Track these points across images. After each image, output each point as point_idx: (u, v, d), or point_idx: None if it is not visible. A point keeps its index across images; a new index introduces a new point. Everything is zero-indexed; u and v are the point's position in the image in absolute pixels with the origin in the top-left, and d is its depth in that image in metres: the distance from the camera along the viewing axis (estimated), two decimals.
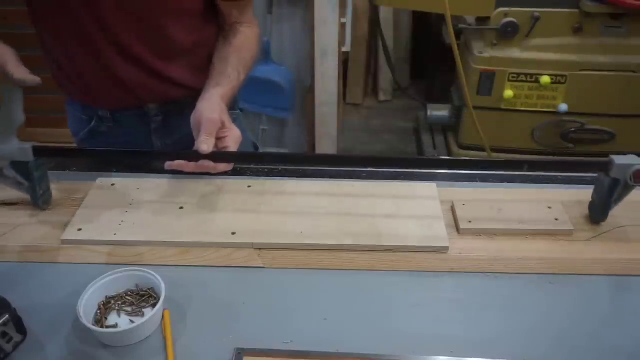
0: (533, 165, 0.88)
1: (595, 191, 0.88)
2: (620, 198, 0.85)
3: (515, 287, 0.79)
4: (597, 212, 0.88)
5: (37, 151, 0.85)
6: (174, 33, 0.96)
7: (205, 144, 0.83)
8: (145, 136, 1.10)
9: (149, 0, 0.90)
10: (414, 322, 0.74)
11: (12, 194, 0.93)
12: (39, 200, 0.90)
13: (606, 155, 0.84)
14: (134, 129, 1.09)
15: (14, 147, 0.85)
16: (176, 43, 0.98)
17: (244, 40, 1.03)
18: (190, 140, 0.88)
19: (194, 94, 0.96)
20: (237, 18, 1.04)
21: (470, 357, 0.68)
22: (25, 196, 0.90)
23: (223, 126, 0.88)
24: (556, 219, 0.88)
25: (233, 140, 0.89)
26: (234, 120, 1.15)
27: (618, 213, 0.89)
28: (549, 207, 0.91)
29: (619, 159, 0.82)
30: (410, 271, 0.81)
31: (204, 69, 1.02)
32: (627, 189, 0.84)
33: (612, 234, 0.87)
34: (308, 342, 0.70)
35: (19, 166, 0.86)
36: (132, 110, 1.06)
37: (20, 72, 0.78)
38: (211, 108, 0.89)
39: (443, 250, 0.83)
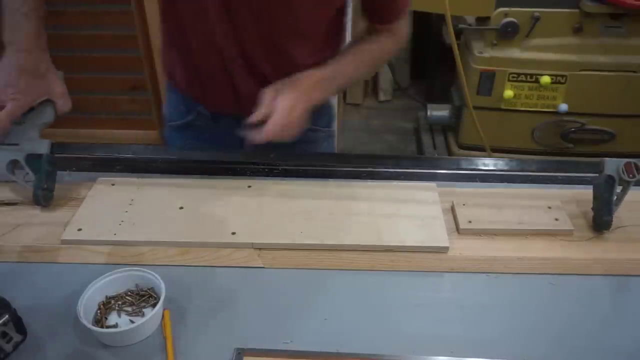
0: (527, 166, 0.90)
1: (595, 198, 0.87)
2: (620, 198, 0.86)
3: (515, 287, 0.79)
4: (602, 215, 0.85)
5: (54, 146, 0.90)
6: (297, 55, 0.99)
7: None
8: (238, 141, 1.10)
9: (277, 22, 0.93)
10: (414, 322, 0.74)
11: (12, 193, 0.93)
12: (40, 193, 0.89)
13: (606, 155, 0.85)
14: (229, 132, 1.09)
15: (34, 141, 0.89)
16: (297, 64, 1.00)
17: (380, 45, 1.04)
18: (280, 150, 0.97)
19: None
20: (386, 26, 1.04)
21: (470, 357, 0.68)
22: (27, 193, 0.90)
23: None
24: (556, 219, 0.88)
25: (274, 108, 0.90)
26: (326, 138, 1.21)
27: (618, 213, 0.89)
28: (549, 207, 0.91)
29: (607, 159, 0.85)
30: (410, 271, 0.81)
31: None
32: (624, 186, 0.85)
33: (612, 234, 0.87)
34: (308, 342, 0.70)
35: (32, 159, 0.89)
36: (234, 116, 1.07)
37: (64, 106, 0.92)
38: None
39: (443, 250, 0.83)
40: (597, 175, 0.86)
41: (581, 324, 0.73)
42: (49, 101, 0.90)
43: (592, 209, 0.88)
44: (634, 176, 0.83)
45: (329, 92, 0.99)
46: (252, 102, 0.93)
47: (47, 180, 0.90)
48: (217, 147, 1.11)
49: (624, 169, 0.83)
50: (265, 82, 1.00)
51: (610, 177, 0.84)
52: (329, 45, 1.06)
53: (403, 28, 1.06)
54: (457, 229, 0.88)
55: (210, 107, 1.09)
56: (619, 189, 0.86)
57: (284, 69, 1.00)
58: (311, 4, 0.92)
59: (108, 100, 2.51)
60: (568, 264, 0.82)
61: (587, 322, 0.74)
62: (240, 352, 0.68)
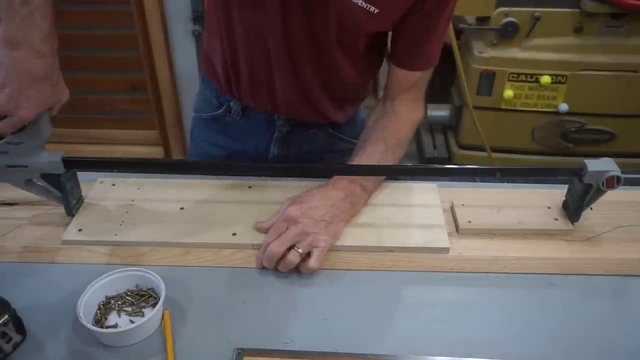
0: (505, 172, 0.89)
1: (568, 192, 0.89)
2: (592, 201, 0.86)
3: (515, 287, 0.79)
4: (570, 213, 0.88)
5: (67, 163, 0.84)
6: (342, 67, 0.97)
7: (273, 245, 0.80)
8: (265, 140, 1.10)
9: (326, 25, 0.90)
10: (414, 322, 0.74)
11: (12, 194, 0.93)
12: (73, 210, 0.89)
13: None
14: (257, 131, 1.09)
15: (44, 160, 0.83)
16: (340, 76, 0.99)
17: (399, 125, 1.03)
18: (306, 156, 1.03)
19: (326, 122, 1.08)
20: (404, 92, 1.04)
21: (470, 357, 0.68)
22: (28, 193, 0.90)
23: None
24: (556, 219, 0.88)
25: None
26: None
27: (618, 214, 0.89)
28: (549, 207, 0.91)
29: (592, 165, 0.82)
30: (410, 271, 0.81)
31: (348, 105, 1.14)
32: (599, 192, 0.84)
33: (612, 234, 0.87)
34: (308, 342, 0.70)
35: (50, 178, 0.85)
36: (263, 115, 1.07)
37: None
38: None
39: (443, 250, 0.83)
40: (576, 178, 0.85)
41: (581, 324, 0.74)
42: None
43: (563, 202, 0.90)
44: (612, 188, 0.82)
45: (356, 209, 0.89)
46: (286, 103, 0.92)
47: (73, 194, 0.89)
48: (243, 144, 1.10)
49: (604, 182, 0.81)
50: (303, 87, 0.99)
51: (589, 185, 0.83)
52: (369, 67, 1.06)
53: (420, 101, 1.07)
54: (457, 229, 0.88)
55: (243, 99, 1.06)
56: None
57: (323, 80, 0.99)
58: (357, 20, 0.89)
59: (108, 100, 2.51)
60: (568, 263, 0.82)
61: (586, 322, 0.74)
62: (240, 352, 0.68)
